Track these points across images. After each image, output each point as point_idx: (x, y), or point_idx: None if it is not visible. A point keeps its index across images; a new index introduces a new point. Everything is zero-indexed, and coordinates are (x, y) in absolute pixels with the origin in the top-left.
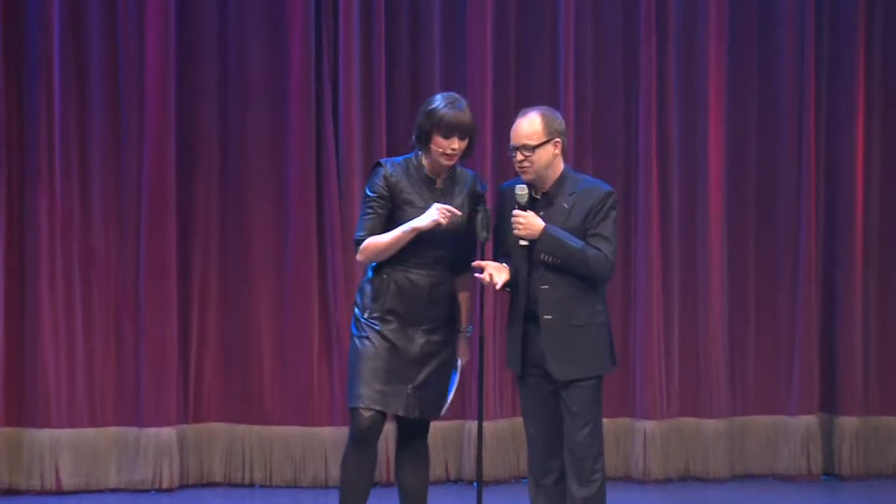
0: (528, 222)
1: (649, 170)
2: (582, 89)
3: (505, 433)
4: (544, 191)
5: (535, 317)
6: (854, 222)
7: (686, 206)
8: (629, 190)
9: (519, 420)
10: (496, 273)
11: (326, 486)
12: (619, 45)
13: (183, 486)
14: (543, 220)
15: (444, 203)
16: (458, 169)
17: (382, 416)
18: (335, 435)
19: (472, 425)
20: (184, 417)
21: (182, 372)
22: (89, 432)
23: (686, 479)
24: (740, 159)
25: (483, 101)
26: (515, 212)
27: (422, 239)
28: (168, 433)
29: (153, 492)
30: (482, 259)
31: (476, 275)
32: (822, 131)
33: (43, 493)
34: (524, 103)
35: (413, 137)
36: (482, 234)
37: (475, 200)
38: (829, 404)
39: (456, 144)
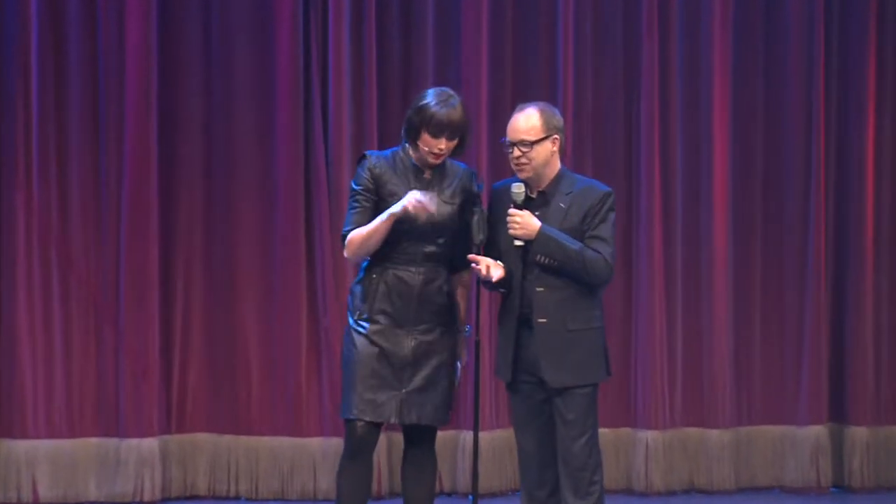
0: (525, 222)
1: (651, 170)
2: (581, 86)
3: (501, 444)
4: (540, 189)
5: (529, 320)
6: (864, 225)
7: (689, 207)
8: (630, 191)
9: None
10: (493, 267)
11: (315, 500)
12: (620, 40)
13: (165, 500)
14: (539, 220)
15: (433, 194)
16: (449, 161)
17: (376, 426)
18: (324, 446)
19: (467, 436)
20: (166, 428)
21: (165, 380)
22: (68, 443)
23: (690, 491)
24: (746, 159)
25: (478, 98)
26: (511, 210)
27: (407, 234)
28: (150, 444)
29: None
30: None
31: (472, 266)
32: (831, 129)
33: None
34: (521, 100)
35: (402, 130)
36: (478, 236)
37: (469, 199)
38: (839, 414)
39: (443, 144)
